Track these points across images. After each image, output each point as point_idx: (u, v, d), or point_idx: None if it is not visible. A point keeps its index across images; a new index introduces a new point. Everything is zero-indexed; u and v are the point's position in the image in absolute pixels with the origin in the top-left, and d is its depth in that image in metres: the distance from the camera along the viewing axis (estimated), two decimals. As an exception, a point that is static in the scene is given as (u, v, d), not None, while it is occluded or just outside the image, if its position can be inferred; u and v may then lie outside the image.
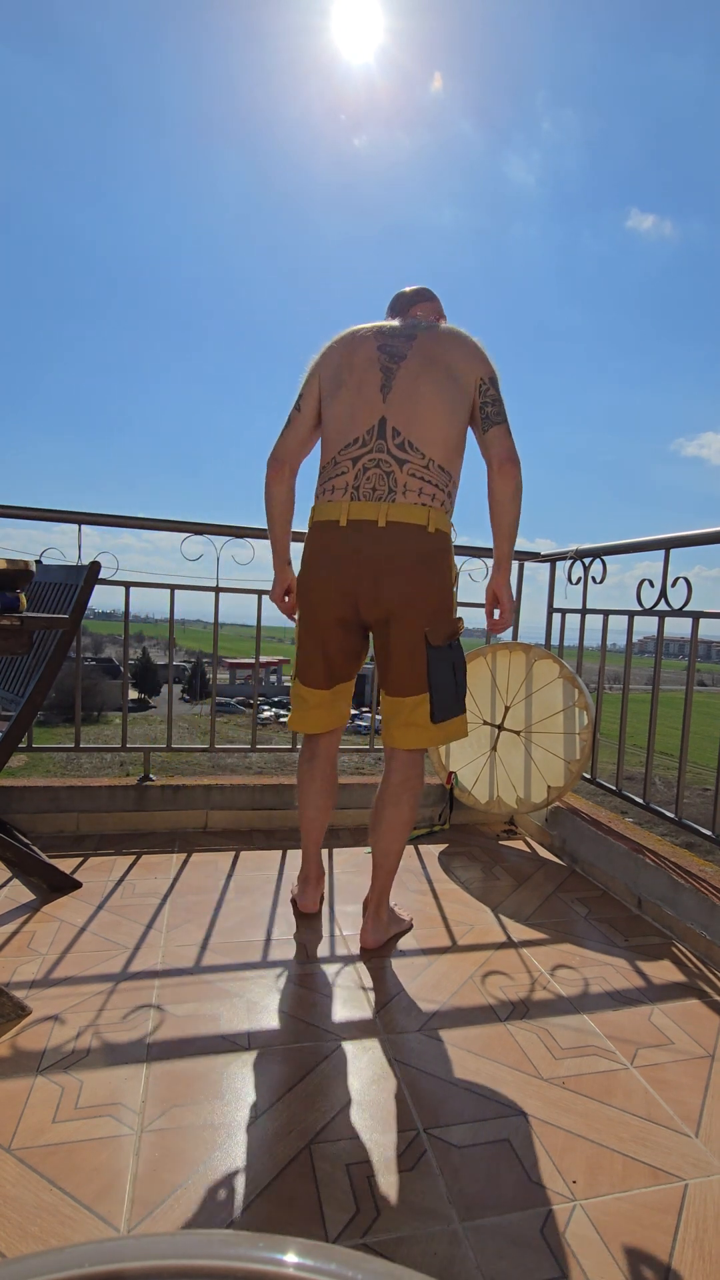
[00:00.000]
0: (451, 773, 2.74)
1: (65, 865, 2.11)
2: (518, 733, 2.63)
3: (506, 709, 2.65)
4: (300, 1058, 1.33)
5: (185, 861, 2.26)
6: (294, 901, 1.97)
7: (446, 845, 2.54)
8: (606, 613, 2.55)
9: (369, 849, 2.33)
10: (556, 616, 2.87)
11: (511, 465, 1.68)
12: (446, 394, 1.66)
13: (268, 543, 2.64)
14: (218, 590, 2.64)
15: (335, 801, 1.99)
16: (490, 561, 2.84)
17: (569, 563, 2.69)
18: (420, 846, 2.51)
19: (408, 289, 1.92)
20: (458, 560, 2.01)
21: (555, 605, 2.89)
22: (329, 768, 1.93)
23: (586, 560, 2.60)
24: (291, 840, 2.50)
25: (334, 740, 1.92)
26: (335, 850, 2.42)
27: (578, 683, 2.48)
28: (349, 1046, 1.37)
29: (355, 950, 1.75)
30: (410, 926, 1.89)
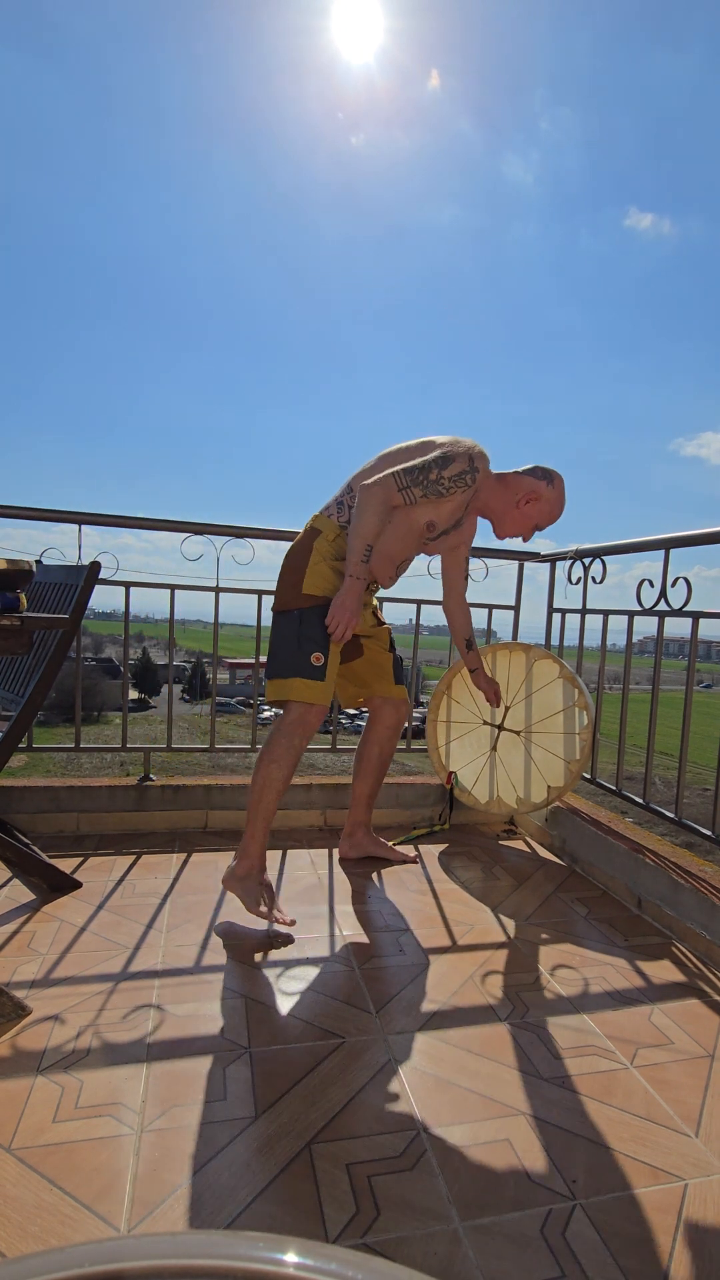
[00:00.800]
0: (451, 773, 2.74)
1: (65, 865, 2.11)
2: (518, 733, 2.63)
3: (506, 709, 2.65)
4: (300, 1057, 1.33)
5: (185, 861, 2.26)
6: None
7: (446, 845, 2.54)
8: (606, 613, 2.54)
9: (406, 838, 2.58)
10: (556, 616, 2.87)
11: (361, 488, 1.93)
12: (391, 453, 2.02)
13: (267, 543, 2.67)
14: (218, 590, 2.63)
15: (364, 769, 2.34)
16: (491, 563, 2.86)
17: (569, 563, 2.69)
18: (420, 846, 2.51)
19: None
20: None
21: (555, 605, 2.89)
22: (365, 734, 2.35)
23: (586, 560, 2.60)
24: (291, 840, 2.50)
25: (371, 713, 2.34)
26: (333, 849, 2.42)
27: (578, 683, 2.48)
28: (349, 1046, 1.37)
29: (356, 949, 1.75)
30: (272, 921, 1.84)
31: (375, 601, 2.30)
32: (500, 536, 2.17)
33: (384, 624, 2.30)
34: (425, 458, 1.94)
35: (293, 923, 1.84)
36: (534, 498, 2.06)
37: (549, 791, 2.49)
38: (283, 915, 1.85)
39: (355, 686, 2.29)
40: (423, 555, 2.22)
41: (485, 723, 2.72)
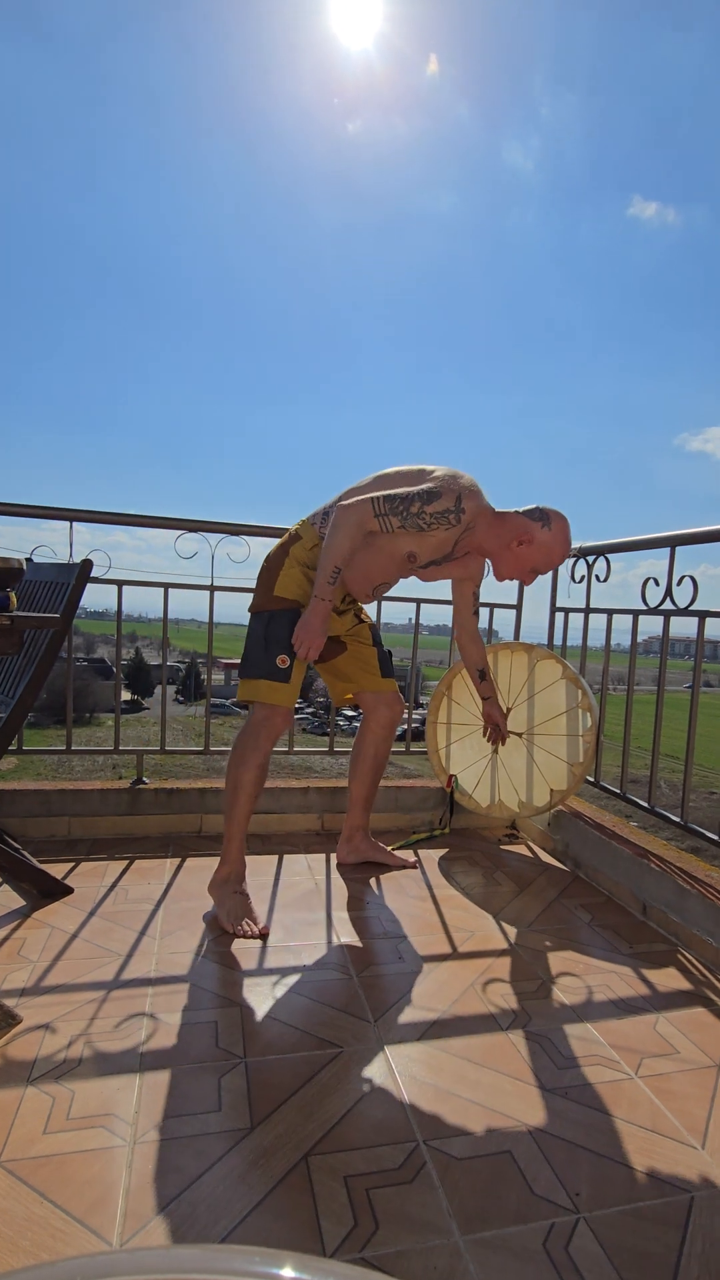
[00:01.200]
0: (452, 776, 2.74)
1: (56, 870, 2.11)
2: (520, 735, 2.63)
3: (508, 710, 2.65)
4: (297, 1067, 1.33)
5: (179, 866, 2.26)
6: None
7: (447, 850, 2.54)
8: (610, 612, 2.55)
9: (405, 843, 2.60)
10: (559, 616, 2.87)
11: (339, 508, 1.94)
12: (385, 475, 2.02)
13: (263, 540, 2.67)
14: (212, 589, 2.63)
15: (360, 770, 2.35)
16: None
17: (572, 560, 2.69)
18: (420, 851, 2.51)
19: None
20: None
21: (558, 604, 2.89)
22: (360, 734, 2.36)
23: (590, 558, 2.60)
24: (288, 844, 2.50)
25: (364, 712, 2.35)
26: (331, 854, 2.42)
27: (581, 683, 2.48)
28: (346, 1056, 1.37)
29: (354, 957, 1.75)
30: (237, 934, 1.83)
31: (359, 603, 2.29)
32: (498, 578, 2.14)
33: (364, 621, 2.31)
34: (411, 488, 1.92)
35: (263, 934, 1.84)
36: (526, 540, 2.00)
37: (552, 795, 2.49)
38: (252, 927, 1.85)
39: (343, 683, 2.31)
40: None
41: None
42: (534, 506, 2.03)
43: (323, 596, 1.92)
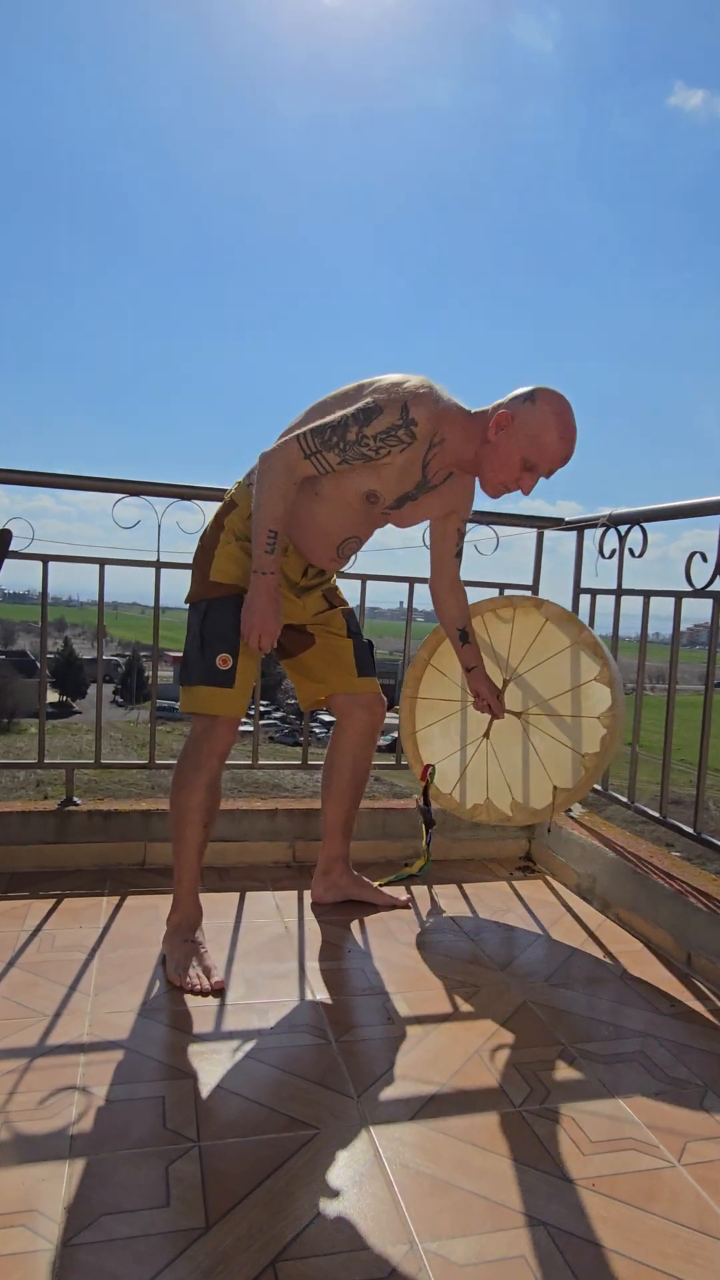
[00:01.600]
0: (429, 766, 2.59)
1: (-35, 911, 2.09)
2: (518, 714, 2.54)
3: (506, 682, 2.54)
4: (263, 1153, 1.32)
5: (118, 906, 2.25)
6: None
7: (447, 885, 2.55)
8: (647, 594, 2.55)
9: (394, 877, 2.60)
10: (585, 598, 2.88)
11: (260, 458, 1.92)
12: (321, 403, 1.97)
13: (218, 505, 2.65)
14: (159, 565, 2.62)
15: (335, 789, 2.33)
16: (503, 531, 2.85)
17: (600, 531, 2.69)
18: (412, 887, 2.51)
19: None
20: None
21: (583, 585, 2.89)
22: (333, 743, 2.35)
23: (622, 528, 2.60)
24: (252, 879, 2.49)
25: (337, 717, 2.34)
26: (304, 891, 2.41)
27: (602, 650, 2.36)
28: (324, 1139, 1.36)
29: (331, 1018, 1.75)
30: (185, 989, 1.82)
31: (332, 580, 2.26)
32: (491, 493, 1.98)
33: (336, 606, 2.26)
34: (344, 411, 1.84)
35: (218, 988, 1.82)
36: (504, 423, 1.84)
37: (555, 794, 2.42)
38: (203, 980, 1.83)
39: (312, 682, 2.30)
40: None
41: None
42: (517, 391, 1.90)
43: (262, 569, 1.88)
